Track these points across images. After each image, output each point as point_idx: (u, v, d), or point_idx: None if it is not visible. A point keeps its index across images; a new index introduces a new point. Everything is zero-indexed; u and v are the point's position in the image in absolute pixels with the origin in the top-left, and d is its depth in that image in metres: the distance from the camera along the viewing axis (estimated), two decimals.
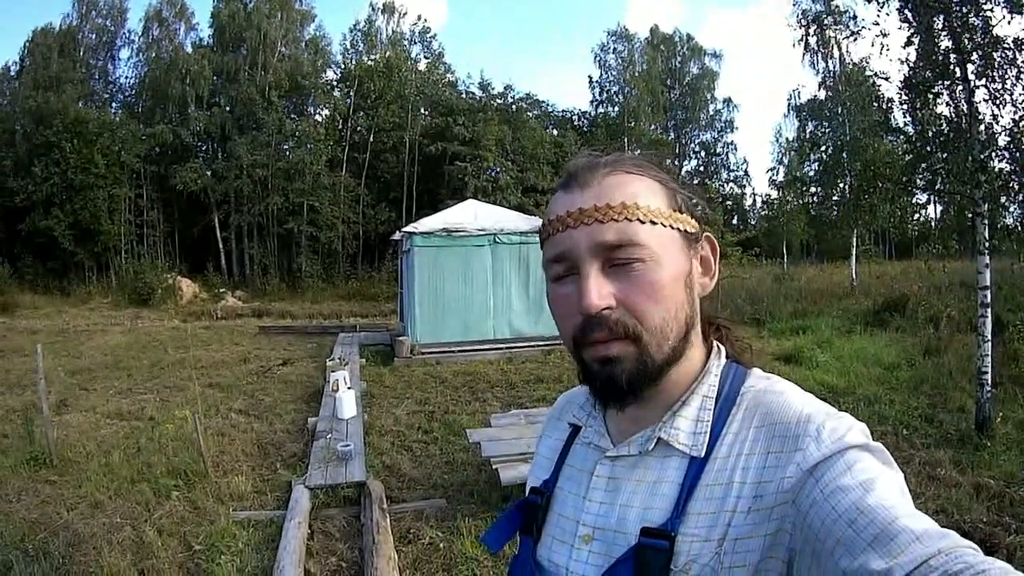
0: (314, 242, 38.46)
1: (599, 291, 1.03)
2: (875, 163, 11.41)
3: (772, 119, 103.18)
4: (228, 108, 40.42)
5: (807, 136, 37.80)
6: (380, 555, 5.04)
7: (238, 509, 6.20)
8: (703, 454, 1.06)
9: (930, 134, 9.60)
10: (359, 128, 41.50)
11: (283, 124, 37.80)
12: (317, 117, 42.52)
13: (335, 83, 43.71)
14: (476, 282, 15.36)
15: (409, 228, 15.21)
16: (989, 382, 8.39)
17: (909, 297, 18.38)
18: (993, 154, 9.48)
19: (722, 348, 1.19)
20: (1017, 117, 9.26)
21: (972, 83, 9.09)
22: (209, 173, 37.99)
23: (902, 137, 10.63)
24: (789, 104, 47.16)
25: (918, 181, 10.09)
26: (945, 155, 9.42)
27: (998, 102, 9.36)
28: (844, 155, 25.16)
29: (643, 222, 1.05)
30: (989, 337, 8.55)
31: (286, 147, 38.61)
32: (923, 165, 9.80)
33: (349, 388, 9.46)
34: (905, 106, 9.97)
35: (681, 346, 1.09)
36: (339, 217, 38.35)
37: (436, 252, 14.91)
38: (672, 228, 1.08)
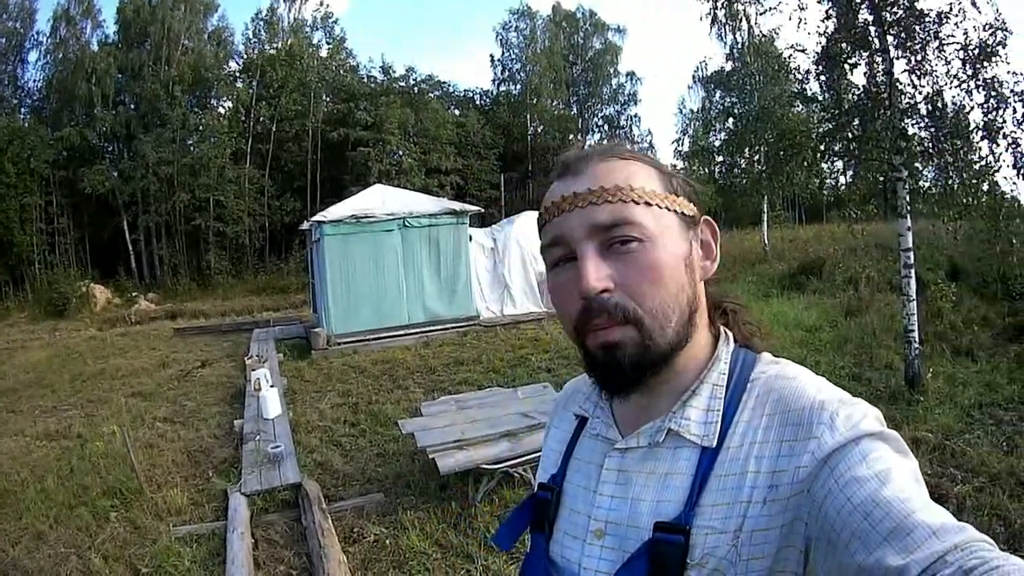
0: (221, 238, 37.68)
1: (596, 273, 1.03)
2: (792, 132, 11.61)
3: (677, 91, 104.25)
4: (133, 106, 39.23)
5: (715, 107, 38.27)
6: (329, 559, 4.98)
7: (178, 524, 6.05)
8: (715, 444, 1.05)
9: (846, 105, 9.81)
10: (262, 118, 40.61)
11: (187, 119, 36.94)
12: (220, 109, 41.64)
13: (238, 74, 42.84)
14: (387, 268, 15.27)
15: (318, 217, 15.04)
16: (917, 339, 8.60)
17: (825, 260, 18.68)
18: (913, 123, 9.76)
19: (730, 334, 1.18)
20: (937, 88, 9.57)
21: (892, 55, 9.32)
22: (116, 174, 36.89)
23: (818, 106, 10.85)
24: (694, 76, 47.80)
25: (836, 148, 10.31)
26: (864, 123, 9.65)
27: (918, 73, 9.64)
28: (756, 124, 25.53)
29: (638, 203, 1.06)
30: (914, 296, 8.77)
31: (190, 142, 37.78)
32: (841, 134, 10.05)
33: (271, 386, 9.39)
34: (822, 77, 10.18)
35: (685, 331, 1.08)
36: (245, 210, 37.66)
37: (346, 240, 14.77)
38: (669, 210, 1.09)
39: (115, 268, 35.31)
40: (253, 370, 10.27)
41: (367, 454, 7.82)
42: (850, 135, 9.93)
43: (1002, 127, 9.40)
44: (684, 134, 47.44)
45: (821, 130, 10.78)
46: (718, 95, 37.66)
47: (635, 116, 58.13)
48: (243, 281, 34.99)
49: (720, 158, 32.83)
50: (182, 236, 37.47)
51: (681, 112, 51.91)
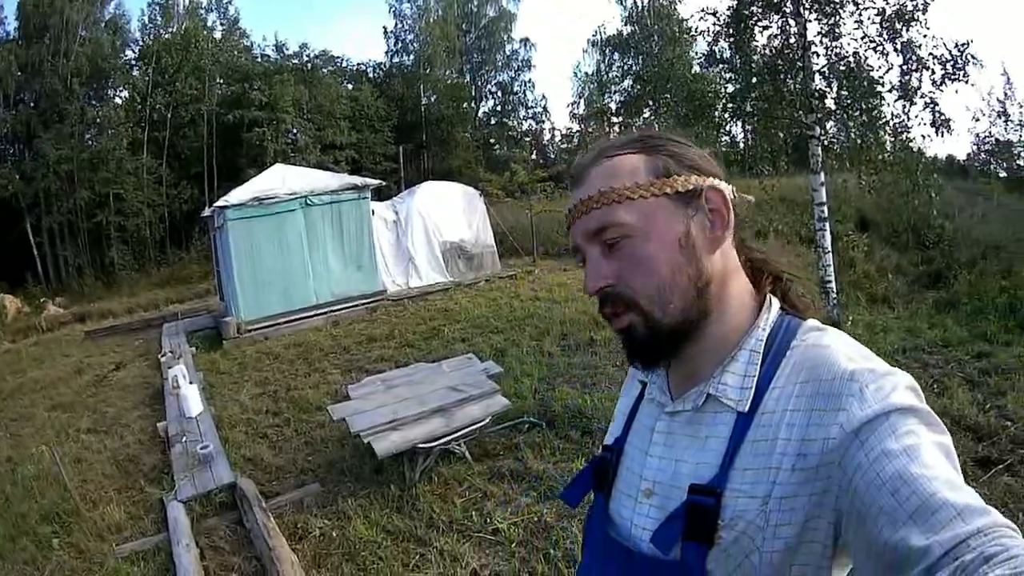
0: (123, 232, 36.35)
1: (595, 274, 1.16)
2: (700, 92, 11.77)
3: (573, 56, 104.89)
4: (33, 104, 37.56)
5: (612, 70, 38.55)
6: (281, 561, 4.82)
7: (120, 543, 5.74)
8: (747, 409, 1.09)
9: (754, 67, 9.97)
10: (158, 106, 39.37)
11: (85, 112, 35.60)
12: (117, 100, 40.11)
13: (134, 62, 41.38)
14: (292, 248, 14.95)
15: (220, 203, 14.51)
16: (834, 289, 8.81)
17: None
18: (826, 84, 10.01)
19: (775, 300, 1.21)
20: (854, 50, 9.80)
21: (805, 17, 9.50)
22: (18, 176, 35.27)
23: (726, 67, 11.02)
24: (590, 40, 47.96)
25: (747, 108, 10.50)
26: (776, 84, 9.84)
27: (833, 36, 9.87)
28: (659, 85, 25.76)
29: (620, 201, 1.14)
30: (829, 248, 8.97)
31: (88, 136, 36.42)
32: (753, 94, 10.24)
33: (190, 383, 9.07)
34: (732, 39, 10.33)
35: (696, 305, 1.14)
36: (144, 202, 36.41)
37: (249, 223, 14.35)
38: (656, 196, 1.14)
39: (23, 275, 33.78)
40: (169, 367, 10.01)
41: (295, 444, 7.63)
42: (761, 95, 10.13)
43: (919, 87, 9.73)
44: (580, 97, 47.57)
45: (730, 90, 10.95)
46: (616, 58, 37.92)
47: (529, 81, 58.34)
48: (147, 275, 33.82)
49: (617, 119, 33.12)
50: (85, 234, 36.11)
51: (576, 76, 52.14)
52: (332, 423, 7.14)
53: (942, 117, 10.03)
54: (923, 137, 10.19)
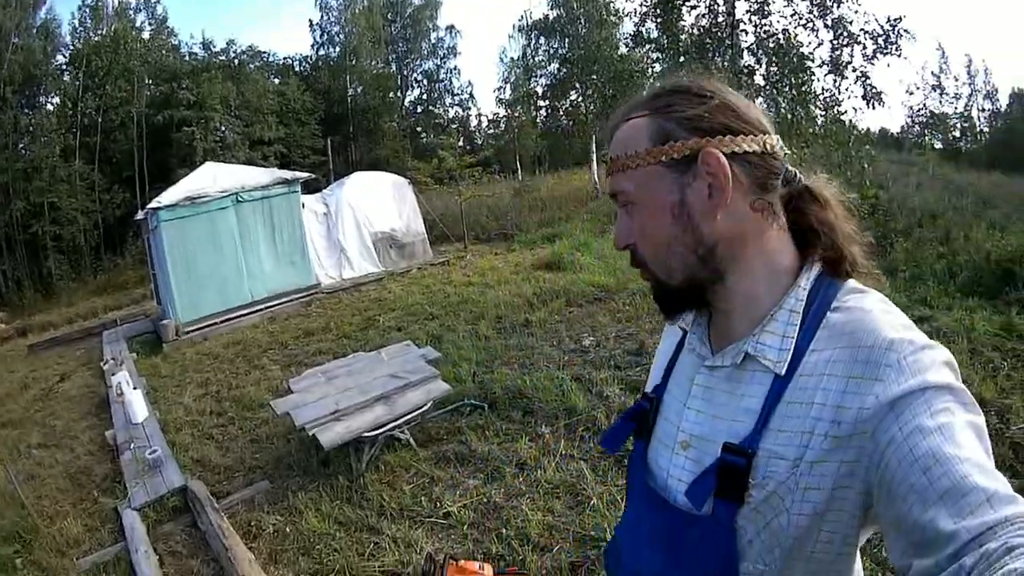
0: (59, 242, 35.45)
1: (619, 232, 1.24)
2: (627, 73, 11.85)
3: (499, 42, 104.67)
4: None
5: (538, 54, 38.56)
6: (238, 560, 4.79)
7: (80, 556, 5.63)
8: (784, 372, 1.09)
9: (682, 46, 10.08)
10: (88, 110, 38.43)
11: (18, 121, 34.68)
12: (49, 106, 39.07)
13: (64, 67, 40.29)
14: (225, 247, 14.78)
15: (152, 204, 14.23)
16: None
17: None
18: (759, 59, 10.14)
19: (815, 261, 1.17)
20: (783, 27, 9.95)
21: None
22: None
23: (653, 47, 11.11)
24: (516, 25, 47.86)
25: None
26: (704, 62, 9.95)
27: (763, 13, 10.00)
28: (585, 66, 25.83)
29: (624, 170, 1.18)
30: None
31: (21, 145, 35.42)
32: (681, 72, 10.37)
33: (134, 388, 8.89)
34: (659, 19, 10.41)
35: (706, 268, 1.16)
36: (78, 209, 35.57)
37: (182, 224, 14.11)
38: (652, 164, 1.14)
39: None
40: (112, 375, 9.85)
41: (241, 442, 7.57)
42: (689, 73, 10.27)
43: (850, 62, 9.91)
44: (506, 82, 47.50)
45: (656, 69, 11.05)
46: (542, 42, 37.90)
47: (455, 69, 58.35)
48: (84, 284, 33.06)
49: (544, 103, 33.16)
50: (21, 246, 35.17)
51: (503, 61, 52.11)
52: (276, 419, 7.17)
53: (873, 90, 10.25)
54: (855, 110, 10.41)
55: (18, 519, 6.36)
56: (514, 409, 6.84)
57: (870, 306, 1.08)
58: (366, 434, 5.80)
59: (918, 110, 48.28)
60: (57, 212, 34.85)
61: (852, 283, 1.15)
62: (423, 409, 6.29)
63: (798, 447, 1.04)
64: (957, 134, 54.39)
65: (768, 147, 1.15)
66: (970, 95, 54.85)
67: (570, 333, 9.17)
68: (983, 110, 56.06)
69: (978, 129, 55.44)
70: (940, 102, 53.88)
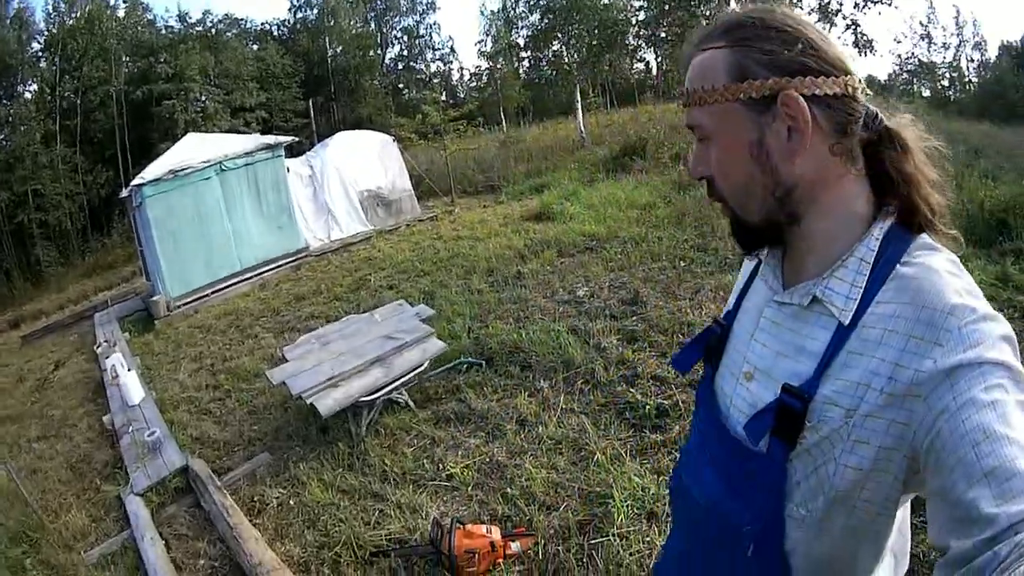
0: (45, 228, 35.38)
1: (695, 162, 1.22)
2: (612, 21, 11.68)
3: None
4: None
5: (519, 4, 38.22)
6: (244, 539, 4.68)
7: (88, 549, 5.51)
8: (848, 321, 1.08)
9: None
10: (67, 94, 38.31)
11: None
12: (27, 95, 38.85)
13: (40, 53, 40.01)
14: (211, 217, 14.55)
15: (136, 181, 13.94)
16: None
17: (647, 140, 18.78)
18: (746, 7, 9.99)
19: (891, 211, 1.15)
20: None
21: None
22: None
23: None
24: None
25: (661, 34, 10.46)
26: (689, 9, 9.79)
27: None
28: (561, 19, 25.53)
29: (700, 104, 1.16)
30: None
31: (2, 136, 35.48)
32: (667, 20, 10.19)
33: (128, 370, 8.77)
34: None
35: (783, 209, 1.15)
36: (62, 193, 35.45)
37: (167, 198, 13.87)
38: (730, 101, 1.12)
39: None
40: (106, 358, 9.70)
41: (239, 415, 7.43)
42: (675, 20, 10.10)
43: (839, 9, 9.74)
44: (487, 35, 47.05)
45: (641, 17, 10.93)
46: None
47: (434, 24, 58.17)
48: (73, 268, 32.58)
49: (526, 54, 32.88)
50: (8, 236, 35.05)
51: (483, 14, 51.61)
52: (272, 388, 7.05)
53: (864, 38, 10.11)
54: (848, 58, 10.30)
55: (23, 518, 6.25)
56: (511, 364, 6.71)
57: (938, 265, 1.05)
58: (364, 399, 5.68)
59: (907, 58, 48.35)
60: (41, 199, 34.84)
61: (924, 238, 1.13)
62: (420, 369, 6.16)
63: (853, 397, 1.04)
64: (946, 83, 54.47)
65: (849, 89, 1.11)
66: (958, 45, 55.04)
67: (563, 284, 9.02)
68: (971, 60, 56.31)
69: (967, 79, 55.59)
70: (928, 51, 53.94)
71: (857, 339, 1.06)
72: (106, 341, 11.89)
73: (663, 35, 10.39)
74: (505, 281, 9.74)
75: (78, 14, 40.87)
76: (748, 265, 1.44)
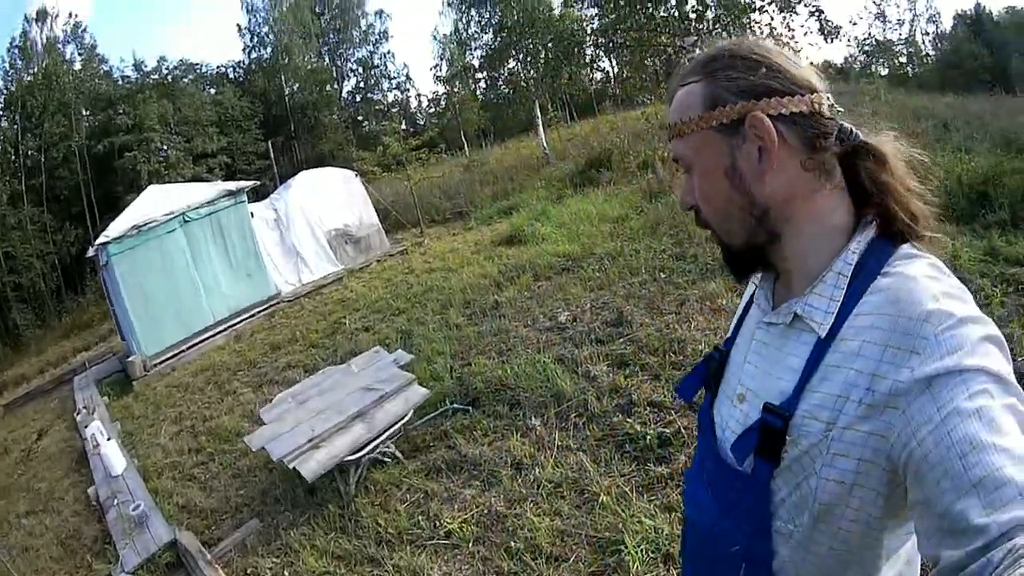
0: (20, 291, 34.91)
1: (683, 193, 1.26)
2: (569, 33, 11.53)
3: (429, 19, 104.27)
4: None
5: (472, 25, 38.26)
6: None
7: None
8: (825, 334, 1.09)
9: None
10: (30, 152, 37.91)
11: None
12: None
13: (1, 112, 39.75)
14: (179, 270, 14.24)
15: (100, 240, 13.64)
16: None
17: (612, 150, 18.67)
18: (705, 3, 9.82)
19: (872, 223, 1.16)
20: None
21: None
22: None
23: (591, 1, 10.93)
24: (444, 1, 47.45)
25: (618, 41, 10.30)
26: (647, 11, 9.63)
27: None
28: (516, 35, 25.44)
29: (680, 136, 1.21)
30: None
31: None
32: (624, 24, 10.02)
33: (108, 439, 8.45)
34: None
35: (762, 229, 1.17)
36: (33, 254, 35.10)
37: (133, 255, 13.54)
38: (704, 129, 1.16)
39: None
40: (85, 426, 9.42)
41: (223, 479, 7.11)
42: (633, 24, 9.95)
43: None
44: (442, 59, 47.05)
45: (596, 26, 10.80)
46: (473, 14, 37.46)
47: (388, 53, 58.47)
48: (51, 329, 32.20)
49: (482, 75, 32.82)
50: None
51: (436, 38, 51.56)
52: (254, 452, 6.74)
53: (830, 24, 10.01)
54: (811, 45, 10.20)
55: None
56: (499, 403, 6.39)
57: (915, 272, 1.06)
58: (349, 458, 5.38)
59: (864, 39, 48.91)
60: (13, 261, 34.48)
61: (906, 247, 1.13)
62: (404, 420, 5.87)
63: (832, 410, 1.04)
64: (904, 59, 55.12)
65: (816, 106, 1.13)
66: (912, 19, 55.68)
67: (543, 309, 8.75)
68: (927, 34, 57.18)
69: (924, 52, 56.33)
70: (884, 30, 54.56)
71: (835, 352, 1.07)
72: (85, 408, 11.62)
73: (620, 41, 10.27)
74: (483, 312, 9.47)
75: (36, 70, 40.71)
76: (748, 291, 1.45)
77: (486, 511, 4.83)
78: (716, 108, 1.14)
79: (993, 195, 8.17)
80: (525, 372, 6.68)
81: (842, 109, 1.19)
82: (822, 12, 9.93)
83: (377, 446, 5.64)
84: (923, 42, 57.32)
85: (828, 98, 1.15)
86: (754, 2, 10.16)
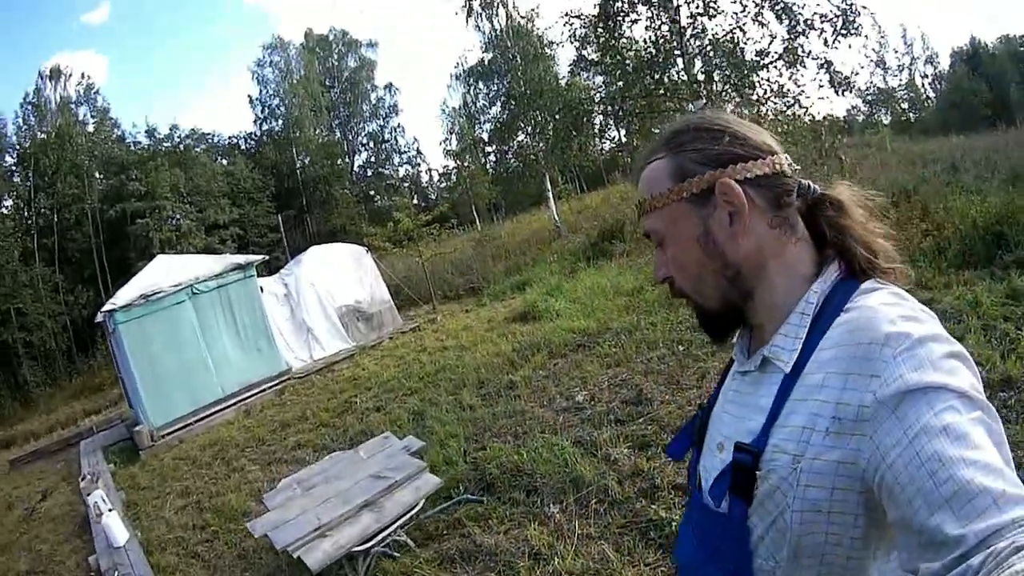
0: (30, 348, 34.72)
1: (657, 267, 1.32)
2: (577, 101, 11.49)
3: (439, 94, 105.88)
4: None
5: (479, 98, 38.61)
6: None
7: None
8: (789, 370, 1.12)
9: (630, 63, 9.73)
10: (43, 210, 38.46)
11: None
12: (3, 210, 39.08)
13: (13, 167, 40.16)
14: (187, 342, 14.06)
15: (107, 306, 13.56)
16: None
17: (624, 221, 18.65)
18: (713, 64, 9.79)
19: (833, 265, 1.19)
20: (732, 27, 9.59)
21: (675, 2, 9.28)
22: None
23: (600, 69, 10.92)
24: (452, 74, 48.17)
25: (627, 107, 10.25)
26: (656, 76, 9.60)
27: (708, 14, 9.63)
28: (524, 105, 25.59)
29: (651, 211, 1.27)
30: None
31: None
32: (634, 91, 9.99)
33: (111, 509, 8.16)
34: (601, 39, 10.08)
35: (736, 288, 1.22)
36: (44, 313, 35.07)
37: (141, 324, 13.41)
38: (675, 202, 1.22)
39: None
40: (88, 494, 9.06)
41: (228, 559, 6.80)
42: (642, 90, 9.92)
43: (809, 52, 9.58)
44: (451, 133, 47.46)
45: (603, 93, 10.79)
46: (481, 87, 37.85)
47: (399, 127, 59.12)
48: (60, 388, 32.17)
49: (491, 148, 33.02)
50: None
51: (444, 112, 52.05)
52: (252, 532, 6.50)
53: (840, 76, 9.98)
54: (822, 99, 10.14)
55: None
56: (515, 489, 6.08)
57: (874, 302, 1.08)
58: (357, 548, 5.10)
59: (866, 89, 49.26)
60: (24, 318, 34.39)
61: (868, 283, 1.15)
62: (415, 510, 5.58)
63: (799, 443, 1.05)
64: (905, 106, 55.49)
65: (777, 167, 1.19)
66: (910, 63, 56.29)
67: (559, 388, 8.51)
68: (925, 76, 57.83)
69: (924, 96, 56.81)
70: (884, 78, 54.95)
71: (801, 387, 1.09)
72: (90, 474, 11.32)
73: (629, 107, 10.26)
74: (497, 392, 9.19)
75: (49, 128, 41.15)
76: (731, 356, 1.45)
77: None
78: (685, 180, 1.20)
79: (1009, 234, 8.17)
80: (542, 456, 6.39)
81: (799, 167, 1.25)
82: (831, 64, 9.90)
83: (387, 537, 5.34)
84: (923, 85, 57.99)
85: (786, 158, 1.22)
86: (761, 60, 10.12)
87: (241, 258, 15.72)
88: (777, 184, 1.19)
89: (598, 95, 11.15)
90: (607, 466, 5.95)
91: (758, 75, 10.17)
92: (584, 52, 10.90)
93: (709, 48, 10.04)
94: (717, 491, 1.20)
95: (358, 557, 5.22)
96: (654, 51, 9.85)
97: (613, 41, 10.16)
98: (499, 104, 33.34)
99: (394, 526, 5.36)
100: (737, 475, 1.13)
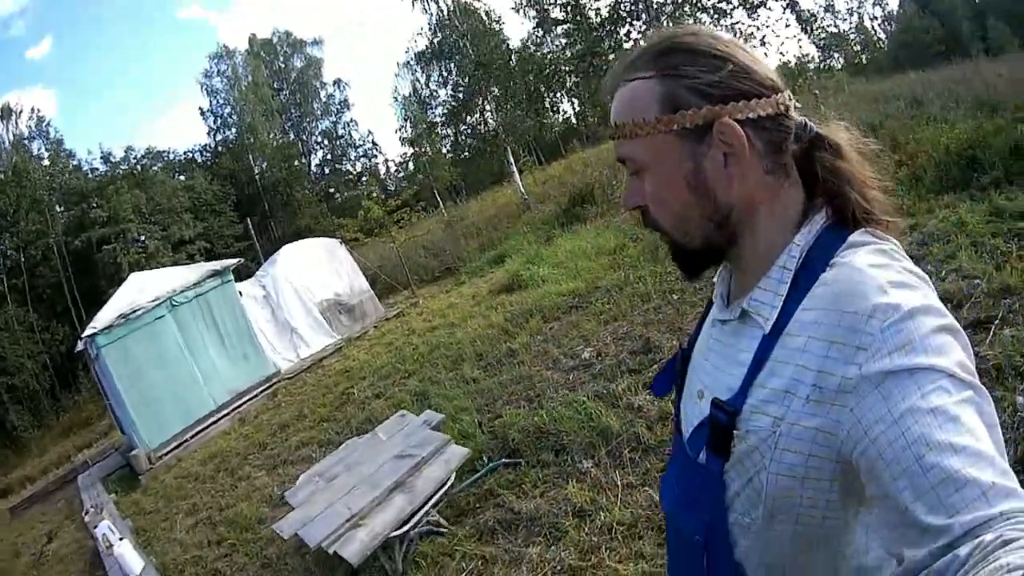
0: (14, 392, 34.32)
1: (628, 195, 1.20)
2: (549, 63, 11.42)
3: (388, 82, 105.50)
4: None
5: (430, 82, 38.36)
6: None
7: None
8: (769, 329, 1.06)
9: (591, 22, 9.70)
10: (8, 251, 37.66)
11: None
12: None
13: None
14: (172, 357, 13.71)
15: (87, 332, 13.13)
16: None
17: (593, 184, 18.53)
18: (676, 16, 9.72)
19: (820, 214, 1.11)
20: None
21: None
22: None
23: (563, 29, 10.94)
24: (398, 62, 47.83)
25: (595, 63, 10.18)
26: (623, 32, 9.56)
27: None
28: (494, 70, 25.34)
29: (631, 137, 1.12)
30: None
31: None
32: (596, 49, 9.90)
33: (121, 539, 7.89)
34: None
35: (722, 232, 1.13)
36: (23, 355, 34.78)
37: (124, 344, 13.04)
38: (663, 133, 1.08)
39: None
40: (94, 527, 8.82)
41: (252, 571, 6.49)
42: (612, 45, 9.87)
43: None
44: (405, 120, 46.95)
45: (569, 54, 10.78)
46: (433, 69, 37.47)
47: (351, 121, 58.96)
48: (49, 429, 31.62)
49: (449, 131, 32.74)
50: None
51: (396, 100, 51.57)
52: (280, 534, 6.21)
53: (807, 13, 9.96)
54: (790, 38, 10.25)
55: None
56: (543, 450, 5.85)
57: (861, 262, 0.99)
58: (394, 533, 4.85)
59: (820, 35, 49.69)
60: (4, 362, 34.16)
61: (857, 235, 1.07)
62: (448, 485, 5.34)
63: (780, 406, 1.00)
64: (857, 48, 56.21)
65: (782, 107, 1.08)
66: (859, 5, 56.96)
67: (562, 350, 8.30)
68: (874, 18, 58.29)
69: (875, 37, 57.52)
70: (835, 23, 55.58)
71: (782, 347, 1.03)
72: (93, 507, 11.02)
73: (597, 64, 10.16)
74: (499, 362, 8.96)
75: (5, 166, 40.91)
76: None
77: (558, 568, 4.31)
78: (678, 112, 1.07)
79: (982, 157, 8.25)
80: (564, 414, 6.17)
81: (800, 105, 1.15)
82: (797, 3, 9.84)
83: (423, 517, 5.10)
84: (872, 28, 58.62)
85: (790, 96, 1.11)
86: (720, 6, 10.03)
87: (217, 264, 15.40)
88: (780, 126, 1.09)
89: (568, 53, 11.05)
90: (633, 414, 5.77)
91: (720, 24, 10.09)
92: (548, 8, 10.79)
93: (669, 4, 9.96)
94: (694, 443, 1.18)
95: (394, 544, 4.96)
96: (620, 7, 9.77)
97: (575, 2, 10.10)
98: (449, 87, 33.11)
99: (428, 504, 5.12)
100: (714, 432, 1.09)
